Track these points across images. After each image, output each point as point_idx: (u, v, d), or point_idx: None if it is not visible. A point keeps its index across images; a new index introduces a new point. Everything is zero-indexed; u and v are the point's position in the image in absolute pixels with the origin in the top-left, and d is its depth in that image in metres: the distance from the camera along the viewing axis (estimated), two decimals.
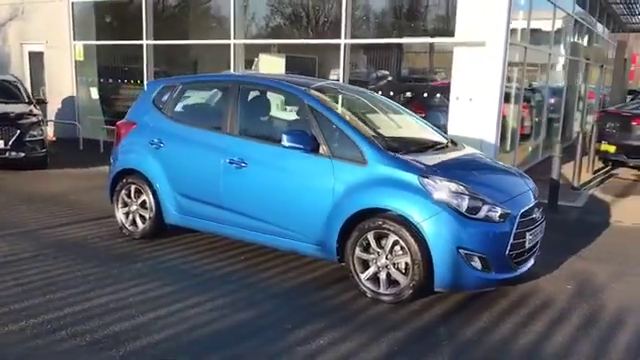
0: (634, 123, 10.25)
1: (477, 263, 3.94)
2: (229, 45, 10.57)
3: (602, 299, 4.39)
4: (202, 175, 5.06)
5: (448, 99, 8.73)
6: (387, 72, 12.28)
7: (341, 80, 9.45)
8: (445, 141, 5.14)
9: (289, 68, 11.05)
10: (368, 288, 4.21)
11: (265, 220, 4.70)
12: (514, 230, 4.07)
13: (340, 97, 5.46)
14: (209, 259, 5.06)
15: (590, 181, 9.50)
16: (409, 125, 5.52)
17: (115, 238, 5.60)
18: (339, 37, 9.49)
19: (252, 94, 5.26)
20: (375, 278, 4.21)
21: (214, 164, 4.94)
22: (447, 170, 4.27)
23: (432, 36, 10.02)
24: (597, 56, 17.81)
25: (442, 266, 3.91)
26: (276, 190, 4.62)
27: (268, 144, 4.76)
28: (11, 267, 4.72)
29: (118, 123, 5.87)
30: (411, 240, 3.96)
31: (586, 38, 15.63)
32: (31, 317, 3.75)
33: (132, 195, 5.59)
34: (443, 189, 4.01)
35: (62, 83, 13.17)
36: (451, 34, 8.77)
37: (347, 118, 4.70)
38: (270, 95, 5.35)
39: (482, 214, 3.98)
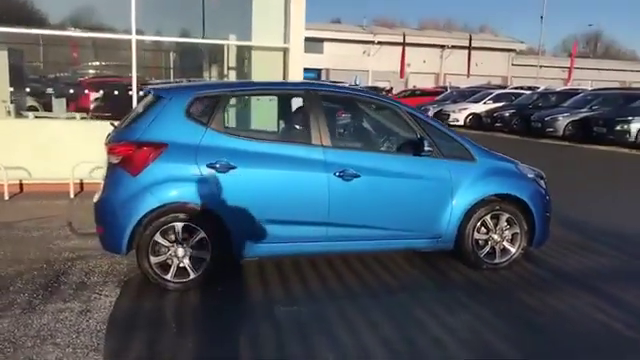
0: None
1: (549, 222, 5.40)
2: None
3: None
4: (303, 194, 4.58)
5: None
6: None
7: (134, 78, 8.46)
8: None
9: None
10: (485, 262, 5.10)
11: (385, 227, 4.78)
12: None
13: None
14: (342, 281, 4.74)
15: None
16: None
17: (181, 297, 4.30)
18: (129, 33, 8.40)
19: (335, 104, 4.97)
20: (488, 252, 5.11)
21: (316, 180, 4.59)
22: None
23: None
24: None
25: (539, 230, 5.22)
26: (399, 195, 4.78)
27: (379, 152, 4.82)
28: None
29: (126, 146, 4.30)
30: (521, 215, 5.10)
31: None
32: None
33: (177, 236, 4.36)
34: (529, 171, 5.28)
35: None
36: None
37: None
38: (349, 103, 5.14)
39: (544, 184, 5.44)
